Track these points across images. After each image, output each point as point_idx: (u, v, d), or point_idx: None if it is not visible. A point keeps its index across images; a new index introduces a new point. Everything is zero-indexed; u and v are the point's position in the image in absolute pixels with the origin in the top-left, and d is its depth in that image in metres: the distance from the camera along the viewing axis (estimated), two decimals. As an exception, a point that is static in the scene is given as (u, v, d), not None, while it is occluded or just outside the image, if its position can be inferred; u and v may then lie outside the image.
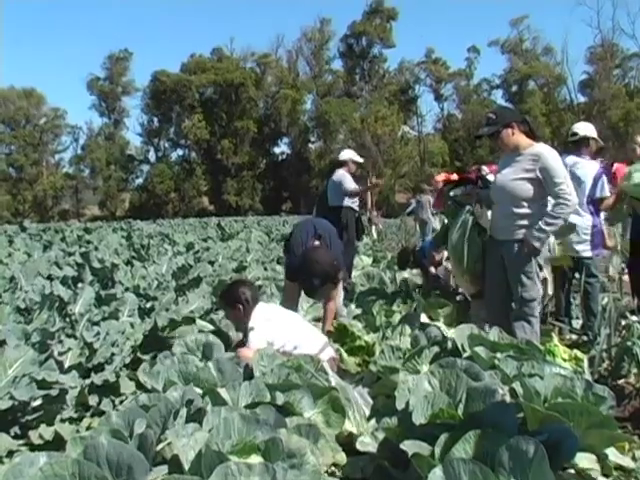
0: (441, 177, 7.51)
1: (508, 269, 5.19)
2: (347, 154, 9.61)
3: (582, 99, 73.68)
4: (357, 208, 9.44)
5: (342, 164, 9.40)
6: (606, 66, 69.58)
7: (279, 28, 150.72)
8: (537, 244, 4.98)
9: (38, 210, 71.76)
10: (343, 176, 9.19)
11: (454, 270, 5.98)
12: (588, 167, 6.44)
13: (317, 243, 6.21)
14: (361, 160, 9.79)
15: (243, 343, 5.03)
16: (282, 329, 4.92)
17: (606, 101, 65.93)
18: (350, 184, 9.12)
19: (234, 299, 5.10)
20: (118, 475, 2.63)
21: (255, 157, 75.64)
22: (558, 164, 5.02)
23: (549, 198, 5.04)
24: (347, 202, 9.16)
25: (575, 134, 6.59)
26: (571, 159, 6.41)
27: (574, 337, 6.33)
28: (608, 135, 54.71)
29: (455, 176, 6.91)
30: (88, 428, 4.36)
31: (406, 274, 8.75)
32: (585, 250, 6.42)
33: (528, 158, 5.05)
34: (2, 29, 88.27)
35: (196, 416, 3.24)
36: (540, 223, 4.95)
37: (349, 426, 3.66)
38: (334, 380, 4.00)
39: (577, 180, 6.19)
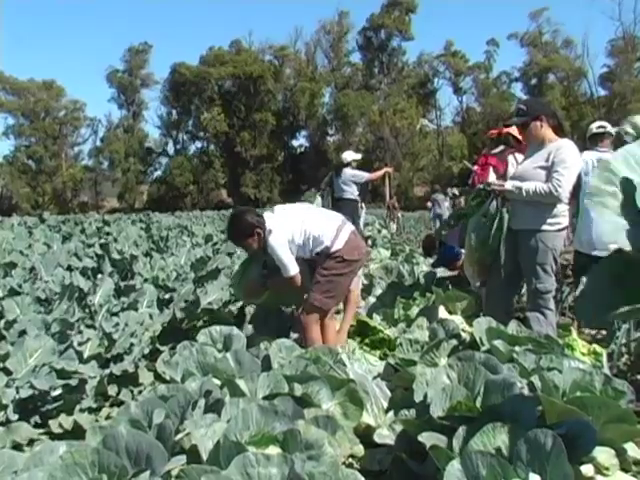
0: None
1: (522, 259, 5.17)
2: (350, 155, 11.39)
3: (602, 92, 72.89)
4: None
5: (347, 164, 11.07)
6: (627, 59, 68.71)
7: (297, 21, 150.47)
8: (508, 188, 5.15)
9: (57, 202, 72.13)
10: (353, 172, 11.17)
11: (465, 256, 5.92)
12: None
13: None
14: (359, 157, 11.77)
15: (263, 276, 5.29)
16: (296, 221, 5.07)
17: (627, 95, 65.13)
18: (364, 174, 11.38)
19: (250, 228, 5.06)
20: (137, 464, 2.65)
21: (273, 150, 75.53)
22: (572, 159, 5.02)
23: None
24: (354, 195, 10.99)
25: (604, 126, 6.55)
26: (593, 154, 6.33)
27: (593, 331, 6.29)
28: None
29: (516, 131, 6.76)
30: (107, 418, 4.41)
31: (426, 267, 8.72)
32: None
33: (549, 151, 5.06)
34: (2, 18, 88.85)
35: (214, 407, 3.25)
36: (528, 184, 5.03)
37: (367, 418, 3.66)
38: (352, 372, 4.01)
39: None
